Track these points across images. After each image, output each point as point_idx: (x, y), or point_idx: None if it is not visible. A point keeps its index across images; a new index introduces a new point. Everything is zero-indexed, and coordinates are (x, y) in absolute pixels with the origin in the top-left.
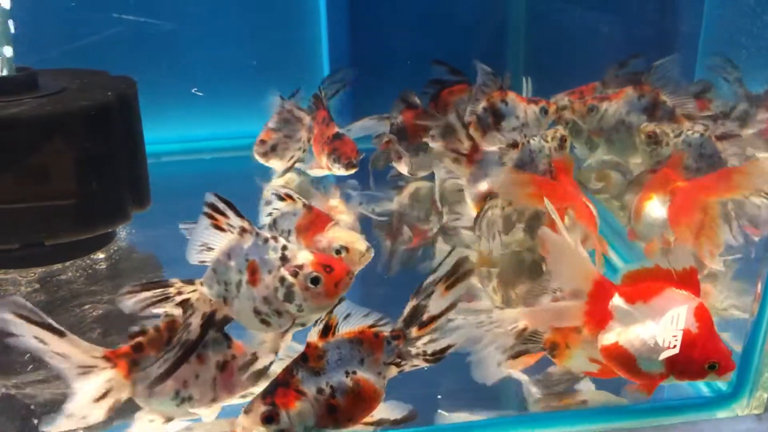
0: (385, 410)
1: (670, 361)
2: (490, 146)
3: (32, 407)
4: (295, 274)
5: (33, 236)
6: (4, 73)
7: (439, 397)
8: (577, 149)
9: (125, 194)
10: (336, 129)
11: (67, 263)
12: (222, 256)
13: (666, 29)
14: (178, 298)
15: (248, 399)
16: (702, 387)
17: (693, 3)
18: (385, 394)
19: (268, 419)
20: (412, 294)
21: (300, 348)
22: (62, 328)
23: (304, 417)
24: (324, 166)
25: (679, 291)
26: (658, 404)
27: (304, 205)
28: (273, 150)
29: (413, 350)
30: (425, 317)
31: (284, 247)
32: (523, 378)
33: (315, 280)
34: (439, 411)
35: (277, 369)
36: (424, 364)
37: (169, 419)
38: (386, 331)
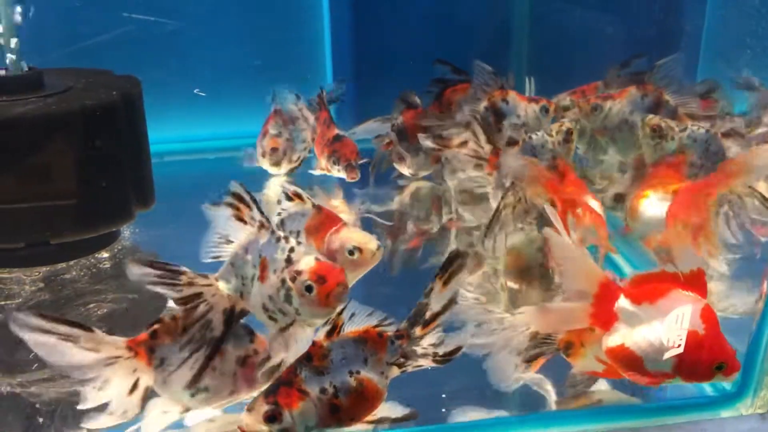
0: (385, 409)
1: (678, 362)
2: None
3: (37, 406)
4: (293, 279)
5: (38, 235)
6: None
7: (443, 396)
8: (580, 149)
9: (129, 193)
10: (336, 131)
11: (72, 262)
12: (240, 250)
13: (668, 29)
14: (187, 290)
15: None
16: (706, 386)
17: (695, 3)
18: (387, 393)
19: (271, 418)
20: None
21: None
22: (85, 324)
23: (306, 416)
24: (324, 168)
25: (686, 292)
26: (662, 404)
27: (314, 205)
28: (284, 155)
29: (419, 350)
30: (428, 315)
31: (291, 249)
32: (538, 378)
33: (309, 288)
34: (443, 410)
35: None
36: (432, 365)
37: (186, 410)
38: (390, 330)
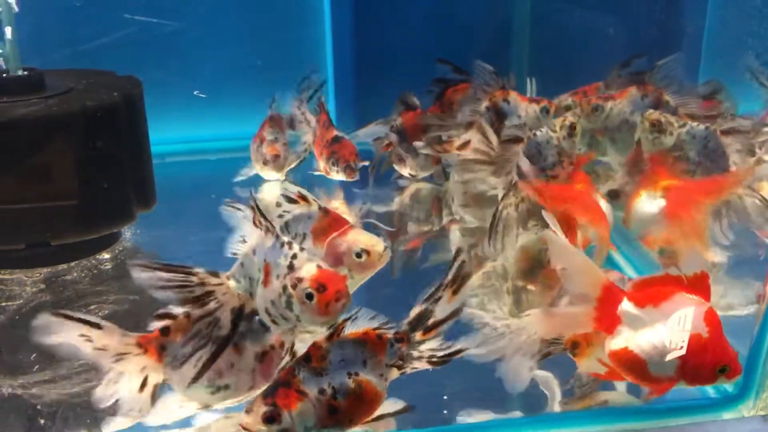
0: (382, 408)
1: (681, 365)
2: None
3: (38, 407)
4: (294, 286)
5: (38, 236)
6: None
7: (444, 397)
8: (581, 149)
9: (130, 194)
10: (335, 132)
11: (73, 263)
12: (250, 252)
13: (669, 29)
14: (199, 290)
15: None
16: (708, 388)
17: (696, 3)
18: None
19: (270, 419)
20: (420, 300)
21: None
22: (99, 320)
23: (305, 417)
24: (323, 170)
25: (689, 295)
26: (664, 405)
27: (320, 207)
28: (285, 161)
29: (416, 353)
30: (430, 322)
31: (294, 256)
32: (547, 376)
33: (309, 296)
34: (445, 411)
35: None
36: (430, 367)
37: (206, 406)
38: (390, 333)
